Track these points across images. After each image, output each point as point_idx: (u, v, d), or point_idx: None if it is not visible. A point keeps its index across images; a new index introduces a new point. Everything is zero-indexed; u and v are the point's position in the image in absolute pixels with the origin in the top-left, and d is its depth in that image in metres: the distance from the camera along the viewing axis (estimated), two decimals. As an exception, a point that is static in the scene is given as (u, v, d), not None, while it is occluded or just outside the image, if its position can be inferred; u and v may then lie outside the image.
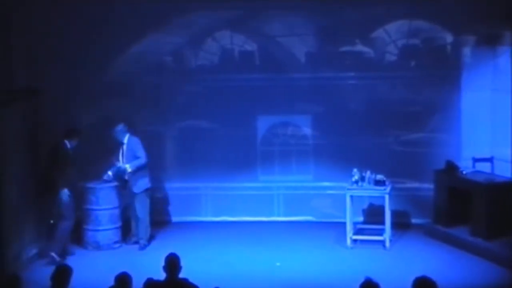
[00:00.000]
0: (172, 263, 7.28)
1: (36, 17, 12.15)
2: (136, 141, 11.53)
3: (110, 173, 11.48)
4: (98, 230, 11.48)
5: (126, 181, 11.52)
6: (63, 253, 11.00)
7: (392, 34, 12.54)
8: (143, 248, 11.49)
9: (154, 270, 7.66)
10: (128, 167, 11.41)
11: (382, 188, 11.40)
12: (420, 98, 12.49)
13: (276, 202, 12.87)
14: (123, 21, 12.34)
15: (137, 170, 11.43)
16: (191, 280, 7.31)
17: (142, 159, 11.48)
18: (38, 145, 11.36)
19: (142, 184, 11.51)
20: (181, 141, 12.86)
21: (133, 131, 11.56)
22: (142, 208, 11.52)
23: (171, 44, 12.83)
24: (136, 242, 11.61)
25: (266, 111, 12.82)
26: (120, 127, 11.42)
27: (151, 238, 11.70)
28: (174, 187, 12.71)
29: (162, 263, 7.32)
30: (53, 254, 10.81)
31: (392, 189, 11.57)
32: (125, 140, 11.49)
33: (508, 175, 11.48)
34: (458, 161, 11.97)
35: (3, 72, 11.73)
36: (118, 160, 11.52)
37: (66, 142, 11.12)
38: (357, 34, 12.64)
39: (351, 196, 11.46)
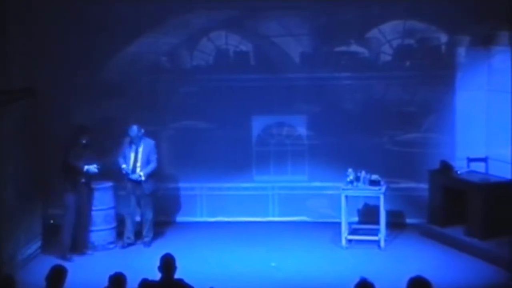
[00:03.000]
0: (168, 264, 7.27)
1: (33, 18, 12.17)
2: (153, 144, 11.61)
3: (124, 166, 11.47)
4: (92, 231, 11.46)
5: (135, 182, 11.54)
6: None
7: (387, 34, 12.56)
8: (148, 245, 11.56)
9: (149, 270, 7.66)
10: (142, 175, 11.47)
11: (377, 188, 11.40)
12: (415, 98, 12.52)
13: (271, 202, 12.87)
14: (119, 21, 12.36)
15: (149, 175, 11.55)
16: (186, 280, 7.31)
17: (154, 164, 11.59)
18: (35, 145, 11.35)
19: (153, 185, 11.60)
20: (177, 141, 12.86)
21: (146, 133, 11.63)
22: (151, 209, 11.60)
23: (166, 45, 12.84)
24: (131, 244, 11.61)
25: (261, 111, 12.83)
26: (134, 130, 11.40)
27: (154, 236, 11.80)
28: (170, 187, 12.69)
29: (157, 263, 7.31)
30: (69, 256, 10.95)
31: (387, 189, 11.57)
32: (141, 143, 11.50)
33: (502, 174, 11.48)
34: (452, 161, 11.99)
35: (0, 72, 11.74)
36: (127, 161, 11.49)
37: (81, 140, 11.12)
38: (352, 34, 12.65)
39: (346, 196, 11.47)
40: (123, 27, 12.41)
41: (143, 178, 11.47)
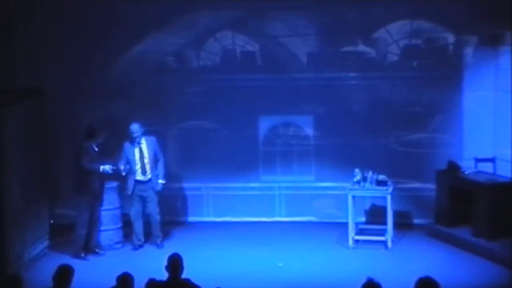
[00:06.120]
0: (175, 263, 7.28)
1: (39, 18, 12.24)
2: (156, 141, 11.62)
3: (122, 166, 11.42)
4: (100, 231, 11.46)
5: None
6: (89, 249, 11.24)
7: (394, 34, 12.52)
8: (161, 246, 11.52)
9: (156, 270, 7.67)
10: (162, 181, 11.59)
11: (384, 188, 11.38)
12: (422, 98, 12.48)
13: (278, 202, 12.86)
14: (125, 21, 12.39)
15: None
16: (193, 280, 7.31)
17: (163, 162, 11.64)
18: (42, 145, 11.36)
19: (158, 186, 11.60)
20: (183, 141, 12.86)
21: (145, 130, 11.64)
22: (158, 210, 11.59)
23: (173, 45, 12.83)
24: (141, 246, 11.60)
25: (268, 111, 12.81)
26: (136, 127, 11.40)
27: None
28: (176, 187, 12.68)
29: (165, 263, 7.32)
30: (84, 255, 11.07)
31: (394, 189, 11.56)
32: (143, 140, 11.49)
33: (510, 175, 11.45)
34: (460, 161, 11.96)
35: (6, 72, 11.79)
36: (132, 161, 11.44)
37: (92, 143, 11.14)
38: (359, 34, 12.62)
39: (353, 197, 11.46)
40: (129, 27, 12.44)
41: (164, 182, 11.58)
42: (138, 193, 11.55)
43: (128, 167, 11.42)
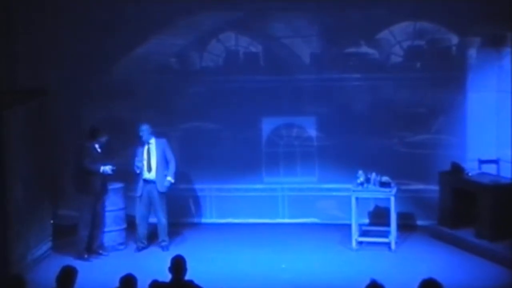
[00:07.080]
0: (178, 265, 7.27)
1: (41, 18, 12.25)
2: (166, 143, 11.62)
3: (139, 164, 11.43)
4: (103, 232, 11.46)
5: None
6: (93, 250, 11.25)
7: (397, 36, 12.51)
8: (167, 249, 11.45)
9: (159, 272, 7.66)
10: (171, 179, 11.54)
11: (387, 189, 11.37)
12: (425, 99, 12.46)
13: (280, 204, 12.85)
14: (128, 22, 12.40)
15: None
16: (196, 281, 7.30)
17: (174, 162, 11.59)
18: (45, 146, 11.37)
19: (166, 182, 11.55)
20: (186, 143, 12.84)
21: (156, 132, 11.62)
22: (165, 213, 11.57)
23: (175, 46, 12.84)
24: (144, 248, 11.58)
25: (271, 113, 12.81)
26: (144, 126, 11.41)
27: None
28: (179, 188, 12.64)
29: (168, 265, 7.31)
30: (87, 256, 11.07)
31: (398, 190, 11.55)
32: (152, 141, 11.49)
33: (512, 176, 11.46)
34: (463, 162, 11.94)
35: (8, 72, 11.79)
36: (141, 161, 11.45)
37: (95, 143, 11.14)
38: (362, 35, 12.61)
39: (357, 198, 11.45)
40: (131, 28, 12.45)
41: (172, 181, 11.55)
42: (146, 194, 11.53)
43: (141, 166, 11.43)
